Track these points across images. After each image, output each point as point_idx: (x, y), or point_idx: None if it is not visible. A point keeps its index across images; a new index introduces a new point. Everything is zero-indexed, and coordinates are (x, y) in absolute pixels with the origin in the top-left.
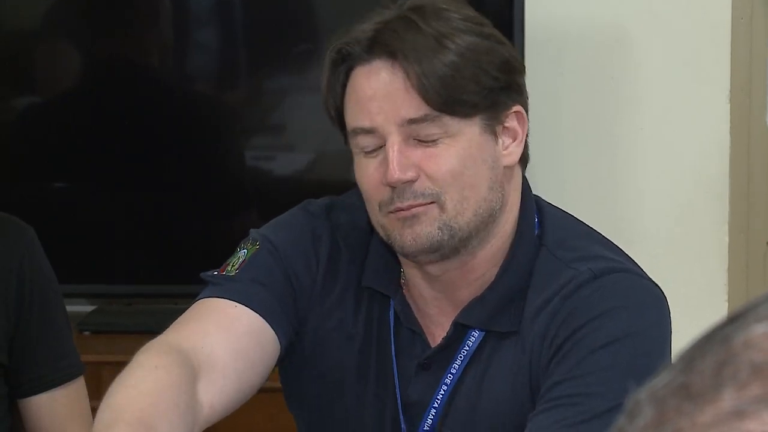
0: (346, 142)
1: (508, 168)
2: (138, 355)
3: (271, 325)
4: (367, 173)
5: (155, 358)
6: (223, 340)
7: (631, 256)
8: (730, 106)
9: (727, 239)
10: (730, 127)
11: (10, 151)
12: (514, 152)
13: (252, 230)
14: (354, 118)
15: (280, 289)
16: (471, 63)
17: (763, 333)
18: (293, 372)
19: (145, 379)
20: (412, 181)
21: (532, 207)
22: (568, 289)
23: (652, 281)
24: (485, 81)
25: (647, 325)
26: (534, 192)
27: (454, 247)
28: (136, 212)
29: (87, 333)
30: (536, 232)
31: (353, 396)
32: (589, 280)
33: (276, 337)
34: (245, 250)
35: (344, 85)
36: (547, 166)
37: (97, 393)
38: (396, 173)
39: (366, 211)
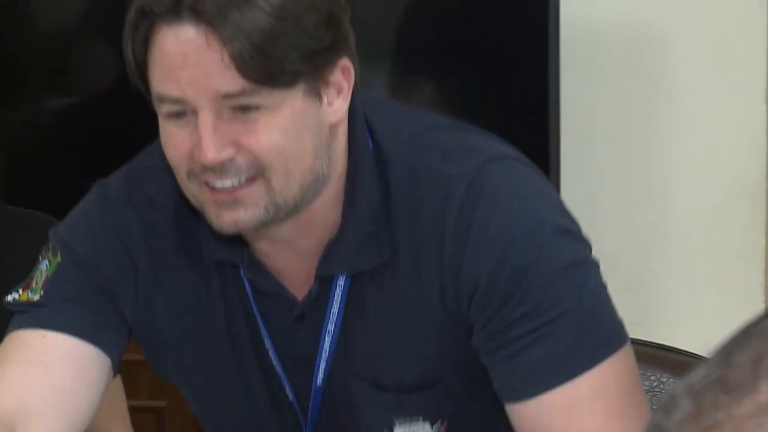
0: (150, 102)
1: (334, 125)
2: None
3: (93, 343)
4: (175, 142)
5: None
6: (35, 381)
7: (668, 258)
8: (767, 107)
9: (764, 241)
10: (767, 128)
11: (47, 153)
12: (340, 108)
13: (51, 232)
14: (160, 84)
15: (95, 302)
16: (291, 26)
17: None
18: (163, 369)
19: None
20: (230, 159)
21: (365, 134)
22: (456, 209)
23: (505, 152)
24: (308, 44)
25: (555, 210)
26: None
27: (279, 219)
28: None
29: None
30: (370, 149)
31: (233, 377)
32: (469, 188)
33: (101, 353)
34: (47, 262)
35: (146, 41)
36: (581, 167)
37: (135, 392)
38: (210, 153)
39: (165, 173)
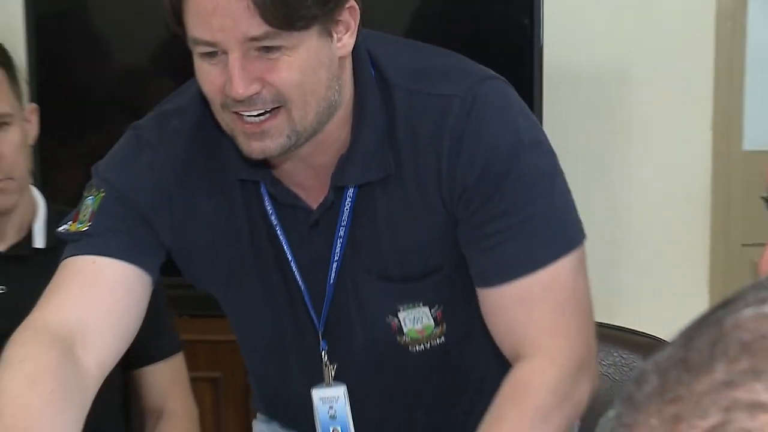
0: (185, 40)
1: (342, 57)
2: (6, 349)
3: (136, 265)
4: (209, 78)
5: (21, 350)
6: (90, 300)
7: (630, 259)
8: (713, 134)
9: (708, 242)
10: (712, 151)
11: None
12: (348, 43)
13: (93, 170)
14: (194, 28)
15: (136, 229)
16: None
17: (750, 316)
18: (199, 281)
19: (14, 379)
20: (256, 93)
21: (366, 65)
22: (451, 123)
23: (493, 74)
24: None
25: (533, 126)
26: None
27: (299, 144)
28: None
29: (185, 317)
30: (374, 76)
31: (256, 282)
32: (462, 104)
33: (144, 273)
34: (92, 198)
35: None
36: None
37: (194, 365)
38: (240, 89)
39: (191, 107)
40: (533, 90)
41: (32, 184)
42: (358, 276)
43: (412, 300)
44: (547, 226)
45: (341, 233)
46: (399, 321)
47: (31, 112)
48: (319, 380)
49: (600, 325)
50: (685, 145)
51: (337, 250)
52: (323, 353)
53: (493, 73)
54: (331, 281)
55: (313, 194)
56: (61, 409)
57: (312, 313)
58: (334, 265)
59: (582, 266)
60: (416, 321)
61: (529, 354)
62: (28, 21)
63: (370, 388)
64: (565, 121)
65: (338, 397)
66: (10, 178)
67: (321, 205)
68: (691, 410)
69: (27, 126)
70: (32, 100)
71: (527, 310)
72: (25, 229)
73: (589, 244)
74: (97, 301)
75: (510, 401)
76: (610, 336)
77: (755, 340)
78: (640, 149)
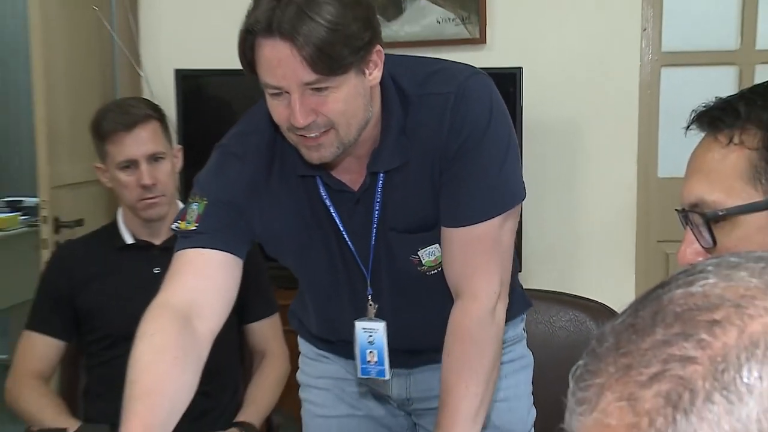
0: (257, 80)
1: (373, 86)
2: (141, 325)
3: (233, 253)
4: (278, 110)
5: (151, 325)
6: (202, 283)
7: (583, 249)
8: (637, 166)
9: (634, 239)
10: (637, 178)
11: None
12: (376, 75)
13: (195, 181)
14: (264, 76)
15: (235, 226)
16: (342, 35)
17: (681, 293)
18: (276, 254)
19: (146, 350)
20: (312, 121)
21: (389, 83)
22: (446, 112)
23: (476, 71)
24: (354, 44)
25: (501, 111)
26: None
27: (345, 150)
28: None
29: (281, 289)
30: (393, 88)
31: (319, 248)
32: (456, 98)
33: (238, 259)
34: (196, 204)
35: (252, 48)
36: (533, 195)
37: (285, 322)
38: (300, 121)
39: (263, 127)
40: (519, 133)
41: (178, 199)
42: (389, 234)
43: (427, 243)
44: (495, 188)
45: (377, 207)
46: (419, 257)
47: (177, 151)
48: (362, 315)
49: (562, 293)
50: (619, 173)
51: (375, 218)
52: (369, 297)
53: (476, 69)
54: (373, 242)
55: (353, 180)
56: (182, 371)
57: (361, 266)
58: (374, 230)
59: (512, 220)
60: (430, 254)
61: (462, 292)
62: (177, 89)
63: (400, 305)
64: (538, 154)
65: (378, 329)
66: (163, 195)
67: (361, 187)
68: (638, 361)
69: (175, 160)
70: (179, 142)
71: (464, 251)
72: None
73: (555, 239)
74: (207, 283)
75: (452, 337)
76: (569, 301)
77: (684, 311)
78: (589, 175)
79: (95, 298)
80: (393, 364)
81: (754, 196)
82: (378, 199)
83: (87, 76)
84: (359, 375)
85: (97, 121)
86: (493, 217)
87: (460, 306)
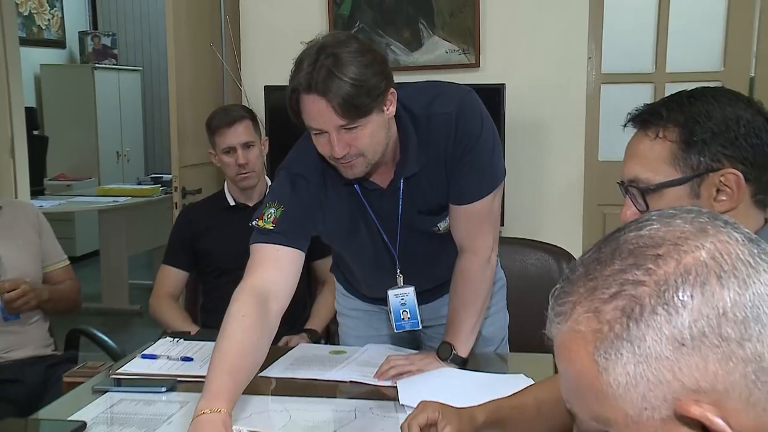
0: (302, 124)
1: (390, 117)
2: (231, 305)
3: (300, 249)
4: (321, 145)
5: (242, 307)
6: (278, 274)
7: (546, 212)
8: (585, 151)
9: (582, 203)
10: (585, 160)
11: None
12: (392, 110)
13: (270, 191)
14: (308, 121)
15: (304, 228)
16: (365, 88)
17: (633, 235)
18: (331, 241)
19: (237, 329)
20: (347, 153)
21: (401, 110)
22: (451, 127)
23: (467, 90)
24: (374, 92)
25: (488, 120)
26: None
27: (372, 167)
28: None
29: None
30: (405, 112)
31: (359, 235)
32: (457, 115)
33: (302, 252)
34: (274, 209)
35: (298, 101)
36: (512, 174)
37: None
38: (338, 153)
39: (313, 153)
40: (503, 130)
41: (266, 175)
42: (413, 216)
43: (443, 218)
44: (487, 175)
45: (400, 201)
46: (437, 227)
47: (264, 141)
48: (390, 278)
49: (531, 240)
50: (571, 157)
51: (399, 208)
52: (398, 270)
53: (467, 88)
54: (399, 227)
55: (382, 180)
56: (262, 345)
57: (390, 246)
58: (399, 217)
59: (499, 194)
60: (444, 222)
61: (465, 249)
62: (266, 98)
63: (420, 260)
64: (516, 144)
65: (409, 292)
66: (253, 171)
67: (389, 186)
68: (601, 284)
69: (262, 147)
70: (266, 134)
71: (467, 221)
72: (261, 196)
73: (527, 204)
74: (281, 274)
75: (459, 281)
76: (536, 246)
77: (636, 248)
78: (551, 159)
79: (209, 243)
80: None
81: (675, 175)
82: (401, 195)
83: (204, 91)
84: (395, 330)
85: (209, 120)
86: (486, 196)
87: (465, 258)
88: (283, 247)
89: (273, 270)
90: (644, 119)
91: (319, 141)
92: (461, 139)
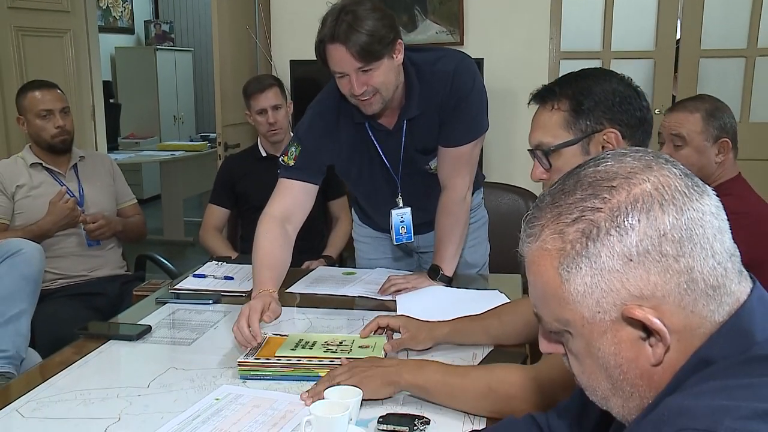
0: (328, 70)
1: (399, 63)
2: (258, 227)
3: (314, 183)
4: (343, 85)
5: (266, 226)
6: (293, 202)
7: (516, 161)
8: None
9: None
10: None
11: None
12: (400, 57)
13: (295, 130)
14: (333, 66)
15: (320, 164)
16: (377, 38)
17: (591, 170)
18: (343, 174)
19: (266, 241)
20: (365, 90)
21: (408, 63)
22: (448, 82)
23: (464, 55)
24: (385, 41)
25: (479, 80)
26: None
27: (385, 104)
28: None
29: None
30: (412, 67)
31: (367, 166)
32: (454, 73)
33: (316, 185)
34: (295, 147)
35: (324, 50)
36: (492, 131)
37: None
38: (357, 91)
39: (333, 96)
40: None
41: (291, 131)
42: (412, 153)
43: (434, 158)
44: (473, 125)
45: (403, 138)
46: (429, 165)
47: (290, 104)
48: (394, 205)
49: (505, 184)
50: None
51: (402, 144)
52: (399, 195)
53: (466, 55)
54: (401, 160)
55: (388, 122)
56: (285, 250)
57: (394, 175)
58: (402, 153)
59: (479, 144)
60: (435, 161)
61: (447, 186)
62: (291, 70)
63: (416, 194)
64: (493, 108)
65: (407, 212)
66: (281, 128)
67: (395, 126)
68: (565, 210)
69: (288, 109)
70: (290, 98)
71: (451, 161)
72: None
73: (503, 154)
74: (296, 202)
75: (441, 214)
76: (509, 188)
77: (594, 181)
78: (520, 120)
79: (246, 186)
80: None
81: (569, 137)
82: (404, 132)
83: (242, 65)
84: (394, 243)
85: (245, 88)
86: (469, 143)
87: (446, 194)
88: (299, 182)
89: (290, 200)
90: (542, 96)
91: (342, 82)
92: (455, 93)
